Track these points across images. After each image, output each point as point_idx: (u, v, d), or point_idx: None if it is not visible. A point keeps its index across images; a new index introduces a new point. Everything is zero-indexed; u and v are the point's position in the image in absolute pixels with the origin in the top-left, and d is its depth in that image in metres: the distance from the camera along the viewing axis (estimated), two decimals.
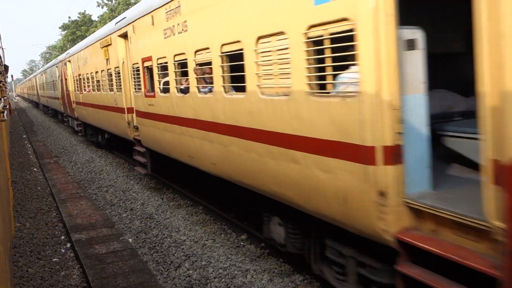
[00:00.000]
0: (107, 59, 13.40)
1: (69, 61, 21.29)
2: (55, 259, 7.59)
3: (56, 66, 26.59)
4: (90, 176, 13.89)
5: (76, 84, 19.86)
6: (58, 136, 24.51)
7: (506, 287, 3.11)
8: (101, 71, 14.42)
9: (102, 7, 60.48)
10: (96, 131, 18.43)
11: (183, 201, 10.51)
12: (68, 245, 8.22)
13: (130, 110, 11.88)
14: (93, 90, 16.07)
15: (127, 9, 34.97)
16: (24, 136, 26.02)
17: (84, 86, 17.77)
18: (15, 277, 6.77)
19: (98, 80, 15.07)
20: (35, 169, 15.72)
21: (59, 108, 28.50)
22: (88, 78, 16.97)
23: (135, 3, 35.60)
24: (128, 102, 11.94)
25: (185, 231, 8.44)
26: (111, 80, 13.25)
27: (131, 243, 7.88)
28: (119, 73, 12.20)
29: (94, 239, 8.01)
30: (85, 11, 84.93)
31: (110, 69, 13.16)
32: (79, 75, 18.72)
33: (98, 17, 63.76)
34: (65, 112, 25.74)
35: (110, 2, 59.63)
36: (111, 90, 13.37)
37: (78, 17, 68.61)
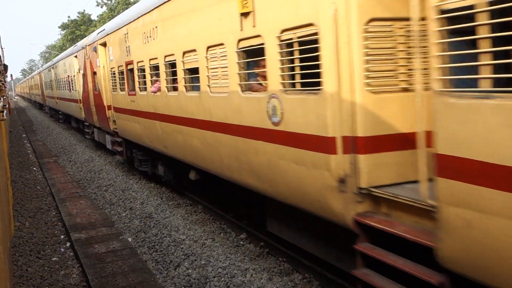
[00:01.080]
0: (244, 15, 5.80)
1: (104, 44, 13.45)
2: (55, 258, 7.60)
3: (75, 56, 18.87)
4: (89, 176, 13.90)
5: (119, 80, 12.07)
6: (58, 136, 24.52)
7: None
8: (210, 47, 6.74)
9: (101, 7, 60.39)
10: (153, 157, 11.31)
11: (182, 200, 10.52)
12: (68, 244, 8.23)
13: (351, 144, 4.53)
14: (172, 88, 8.46)
15: (126, 8, 34.87)
16: (24, 135, 26.02)
17: (140, 83, 10.16)
18: (15, 276, 6.78)
19: (194, 70, 7.33)
20: (34, 168, 15.72)
21: (76, 114, 21.07)
22: (154, 68, 9.19)
23: (134, 3, 35.54)
24: (345, 124, 4.52)
25: (185, 230, 8.46)
26: (255, 64, 6.01)
27: (130, 242, 7.89)
28: (314, 42, 4.72)
29: (93, 238, 8.02)
30: (84, 10, 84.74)
31: (259, 37, 5.56)
32: (129, 63, 10.81)
33: (97, 16, 63.70)
34: (87, 120, 18.21)
35: (109, 2, 59.55)
36: (248, 88, 6.05)
37: (78, 16, 68.50)
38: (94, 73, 15.00)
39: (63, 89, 24.22)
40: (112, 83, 12.83)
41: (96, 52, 14.17)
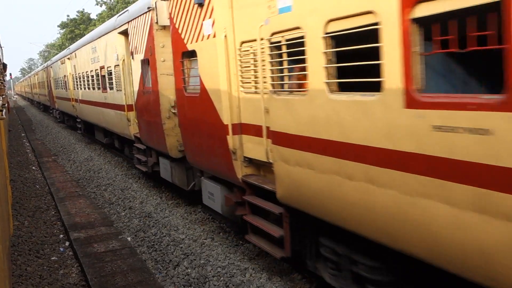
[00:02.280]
0: None
1: None
2: (54, 258, 7.59)
3: (122, 32, 11.47)
4: (88, 175, 13.89)
5: (328, 61, 4.30)
6: (57, 135, 24.49)
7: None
8: None
9: (100, 6, 60.36)
10: None
11: (182, 199, 10.51)
12: (67, 243, 8.23)
13: None
14: None
15: (125, 7, 34.77)
16: (23, 134, 25.99)
17: None
18: (14, 275, 6.77)
19: None
20: (33, 167, 15.71)
21: (117, 128, 13.46)
22: None
23: (133, 1, 35.45)
24: None
25: (184, 230, 8.46)
26: None
27: (129, 242, 7.89)
28: None
29: (92, 237, 8.01)
30: (83, 9, 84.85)
31: None
32: None
33: (96, 15, 63.70)
34: (145, 141, 10.83)
35: (108, 1, 59.52)
36: None
37: (77, 15, 68.50)
38: (185, 55, 7.42)
39: (89, 87, 16.66)
40: (274, 71, 5.23)
41: (202, 5, 6.72)
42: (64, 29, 70.76)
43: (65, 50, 24.79)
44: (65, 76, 22.53)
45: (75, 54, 19.08)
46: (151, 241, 8.02)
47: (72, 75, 20.36)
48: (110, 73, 13.14)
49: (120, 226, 8.92)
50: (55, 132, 25.92)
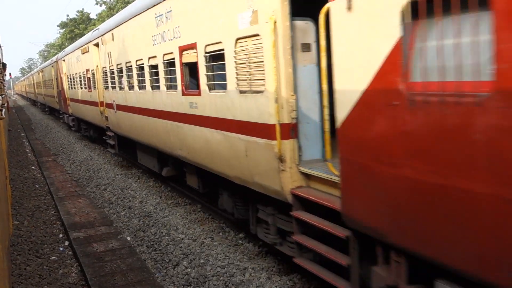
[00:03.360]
0: None
1: None
2: (53, 257, 7.59)
3: None
4: (88, 174, 13.89)
5: None
6: (56, 134, 24.49)
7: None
8: None
9: (100, 5, 60.29)
10: None
11: (181, 199, 10.52)
12: (66, 243, 8.22)
13: None
14: None
15: (125, 7, 34.65)
16: (23, 134, 25.98)
17: None
18: (13, 275, 6.77)
19: None
20: (33, 167, 15.70)
21: (246, 176, 6.04)
22: None
23: (133, 0, 35.30)
24: None
25: (183, 229, 8.45)
26: None
27: (129, 241, 7.89)
28: None
29: (92, 237, 8.01)
30: (83, 9, 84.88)
31: None
32: None
33: (96, 15, 63.64)
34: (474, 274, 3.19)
35: (108, 0, 59.49)
36: None
37: (77, 15, 68.40)
38: None
39: (142, 86, 10.27)
40: None
41: None
42: (64, 29, 70.68)
43: (90, 32, 17.63)
44: (87, 70, 16.21)
45: (112, 35, 12.32)
46: (151, 241, 8.01)
47: (103, 68, 13.88)
48: (212, 58, 6.78)
49: (120, 225, 8.92)
50: (55, 131, 25.92)
